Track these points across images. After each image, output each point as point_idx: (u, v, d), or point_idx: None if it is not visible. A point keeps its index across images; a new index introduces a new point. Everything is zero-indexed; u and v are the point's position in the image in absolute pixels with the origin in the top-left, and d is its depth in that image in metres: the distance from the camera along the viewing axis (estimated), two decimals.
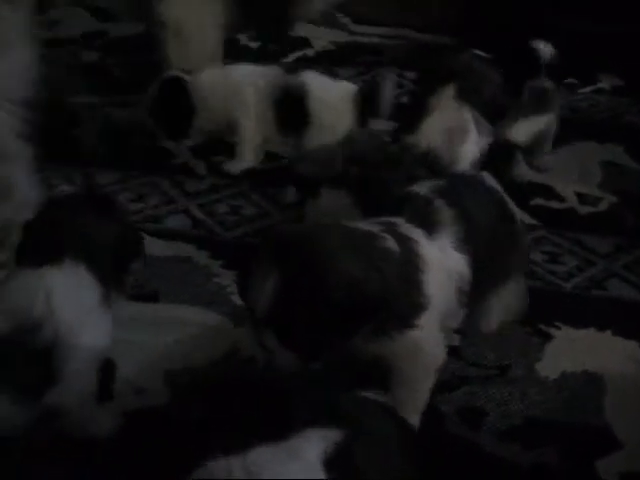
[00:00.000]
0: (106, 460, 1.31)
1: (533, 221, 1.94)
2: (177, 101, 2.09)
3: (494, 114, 1.86)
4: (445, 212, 1.37)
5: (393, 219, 1.35)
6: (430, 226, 1.35)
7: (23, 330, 1.21)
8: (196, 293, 1.68)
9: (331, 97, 2.01)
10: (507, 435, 1.37)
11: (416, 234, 1.34)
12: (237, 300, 1.62)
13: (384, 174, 1.74)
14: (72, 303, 1.25)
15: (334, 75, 2.14)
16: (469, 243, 1.36)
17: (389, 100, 2.00)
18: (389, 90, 2.01)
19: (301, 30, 2.99)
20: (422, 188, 1.43)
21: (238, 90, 2.08)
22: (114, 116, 2.39)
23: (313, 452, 0.97)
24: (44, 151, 2.13)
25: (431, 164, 1.76)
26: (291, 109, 2.02)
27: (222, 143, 2.22)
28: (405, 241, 1.31)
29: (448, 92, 1.83)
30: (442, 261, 1.34)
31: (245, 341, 1.52)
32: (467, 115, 1.80)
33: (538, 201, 2.02)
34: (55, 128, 2.24)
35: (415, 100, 2.09)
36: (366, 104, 2.01)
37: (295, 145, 2.06)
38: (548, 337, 1.59)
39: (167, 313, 1.63)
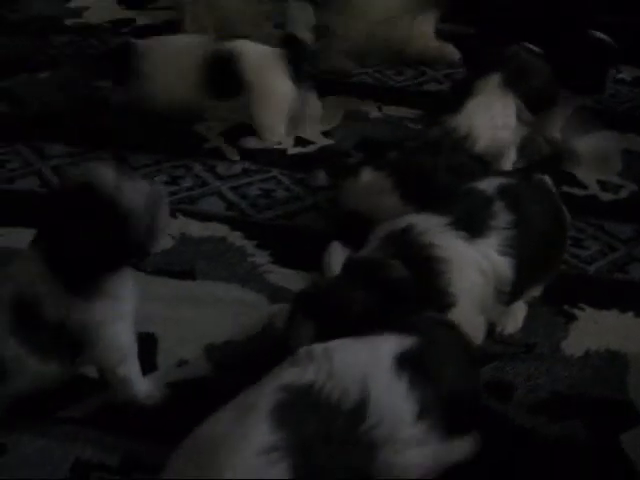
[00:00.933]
0: (151, 428, 1.37)
1: None
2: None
3: (539, 106, 1.90)
4: (501, 217, 1.44)
5: (433, 220, 1.40)
6: (479, 229, 1.42)
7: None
8: (232, 271, 1.74)
9: (263, 58, 2.17)
10: (534, 408, 1.42)
11: (443, 238, 1.41)
12: (271, 278, 1.68)
13: (424, 158, 1.79)
14: None
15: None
16: (519, 248, 1.43)
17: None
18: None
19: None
20: (488, 186, 1.49)
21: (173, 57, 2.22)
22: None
23: (387, 349, 1.10)
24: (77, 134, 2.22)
25: (469, 148, 1.80)
26: (225, 74, 2.15)
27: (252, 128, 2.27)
28: (421, 249, 1.39)
29: (494, 78, 1.88)
30: (478, 262, 1.40)
31: (280, 316, 1.57)
32: (510, 103, 1.84)
33: (563, 188, 2.06)
34: (87, 112, 2.30)
35: (459, 83, 2.13)
36: (294, 62, 2.16)
37: (231, 109, 2.21)
38: (572, 317, 1.64)
39: (204, 290, 1.69)
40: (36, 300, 1.25)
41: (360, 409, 1.07)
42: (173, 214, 1.86)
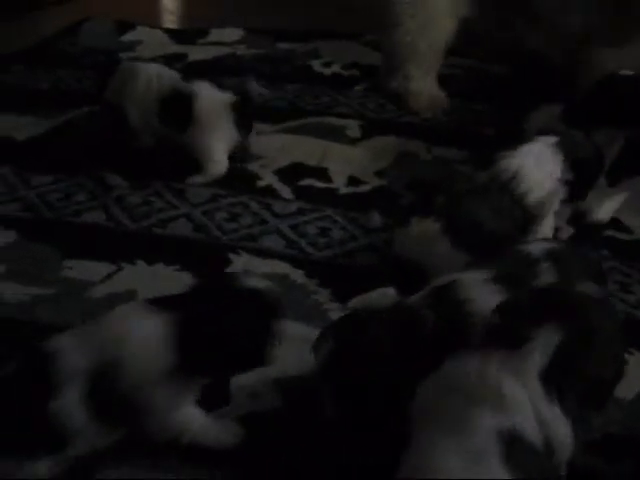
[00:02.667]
0: (229, 457, 1.45)
1: (604, 252, 2.05)
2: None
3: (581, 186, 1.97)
4: (545, 277, 1.52)
5: (475, 275, 1.51)
6: (520, 285, 1.49)
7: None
8: (296, 308, 1.81)
9: (214, 102, 2.31)
10: (589, 449, 1.49)
11: (479, 292, 1.48)
12: (334, 316, 1.76)
13: (471, 202, 1.86)
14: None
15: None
16: None
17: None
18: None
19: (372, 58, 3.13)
20: (535, 248, 1.58)
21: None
22: None
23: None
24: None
25: (514, 190, 1.87)
26: (177, 107, 2.30)
27: (307, 168, 2.36)
28: (458, 303, 1.47)
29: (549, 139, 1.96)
30: None
31: None
32: (559, 160, 1.92)
33: (608, 233, 2.13)
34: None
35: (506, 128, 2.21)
36: (242, 111, 2.33)
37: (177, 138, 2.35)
38: None
39: None
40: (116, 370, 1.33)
41: None
42: (236, 251, 1.96)
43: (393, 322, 1.47)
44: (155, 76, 2.38)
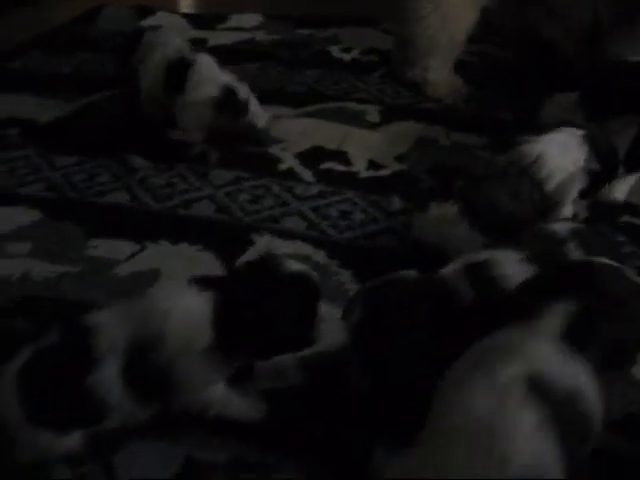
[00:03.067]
0: (254, 432, 1.48)
1: (621, 238, 2.07)
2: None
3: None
4: (573, 257, 1.54)
5: (507, 254, 1.52)
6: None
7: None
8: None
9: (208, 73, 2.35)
10: (611, 428, 1.51)
11: (518, 271, 1.49)
12: None
13: (490, 185, 1.88)
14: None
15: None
16: None
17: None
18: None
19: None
20: (560, 228, 1.60)
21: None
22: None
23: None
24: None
25: (534, 175, 1.89)
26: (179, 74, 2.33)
27: (328, 152, 2.38)
28: (495, 277, 1.49)
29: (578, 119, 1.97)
30: None
31: None
32: (584, 150, 1.93)
33: (624, 219, 2.14)
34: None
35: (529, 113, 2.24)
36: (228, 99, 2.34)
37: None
38: None
39: None
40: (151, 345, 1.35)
41: None
42: (258, 232, 1.99)
43: (429, 292, 1.49)
44: (165, 45, 2.45)
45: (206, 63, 2.39)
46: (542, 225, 1.65)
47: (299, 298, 1.42)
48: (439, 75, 2.83)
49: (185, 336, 1.36)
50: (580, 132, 1.94)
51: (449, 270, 1.56)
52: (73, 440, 1.36)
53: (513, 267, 1.51)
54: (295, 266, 1.44)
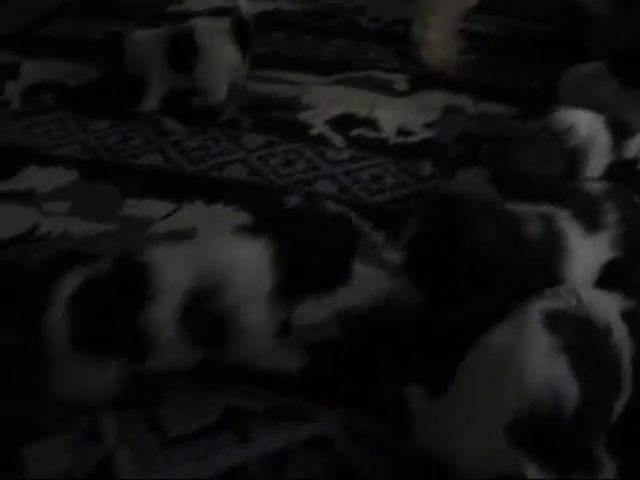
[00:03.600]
0: (291, 382, 1.52)
1: None
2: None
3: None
4: (611, 215, 1.57)
5: (557, 210, 1.55)
6: (593, 224, 1.55)
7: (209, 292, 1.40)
8: None
9: (213, 28, 2.43)
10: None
11: (571, 227, 1.54)
12: (388, 256, 1.83)
13: (519, 151, 1.90)
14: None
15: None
16: (624, 245, 1.56)
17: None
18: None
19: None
20: (593, 188, 1.63)
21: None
22: (252, 89, 2.60)
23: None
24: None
25: (565, 142, 1.92)
26: (182, 50, 2.43)
27: (357, 119, 2.42)
28: (554, 231, 1.52)
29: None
30: (591, 254, 1.53)
31: (401, 291, 1.72)
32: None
33: None
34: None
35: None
36: (241, 34, 2.45)
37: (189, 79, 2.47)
38: None
39: None
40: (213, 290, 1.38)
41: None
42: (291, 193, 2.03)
43: (499, 218, 1.50)
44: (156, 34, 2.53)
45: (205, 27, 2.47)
46: (576, 184, 1.68)
47: (343, 236, 1.46)
48: (437, 37, 2.84)
49: (249, 284, 1.40)
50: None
51: (518, 207, 1.58)
52: (111, 373, 1.37)
53: (568, 223, 1.54)
54: (335, 207, 1.46)
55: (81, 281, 1.36)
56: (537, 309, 1.27)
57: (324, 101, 2.56)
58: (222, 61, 2.46)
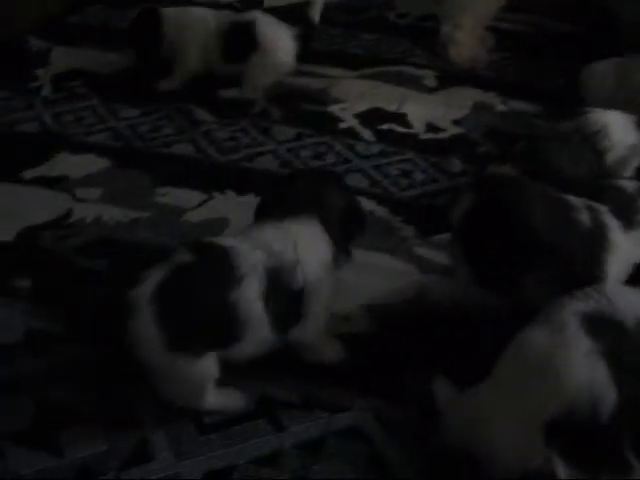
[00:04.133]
0: (324, 373, 1.54)
1: None
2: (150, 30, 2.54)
3: None
4: None
5: (596, 204, 1.56)
6: (630, 221, 1.57)
7: (284, 271, 1.42)
8: (382, 242, 1.90)
9: (275, 29, 2.49)
10: None
11: (612, 222, 1.55)
12: (418, 251, 1.84)
13: (551, 151, 1.92)
14: (315, 255, 1.48)
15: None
16: None
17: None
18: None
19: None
20: (626, 186, 1.65)
21: (190, 24, 2.52)
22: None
23: None
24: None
25: (597, 144, 1.93)
26: (237, 41, 2.45)
27: (387, 113, 2.43)
28: (600, 224, 1.53)
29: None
30: (629, 251, 1.55)
31: (431, 286, 1.74)
32: None
33: None
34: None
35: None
36: (302, 41, 2.50)
37: (239, 71, 2.48)
38: None
39: (359, 256, 1.84)
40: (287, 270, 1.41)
41: None
42: None
43: (554, 201, 1.52)
44: (212, 17, 2.53)
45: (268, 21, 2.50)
46: (610, 182, 1.69)
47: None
48: (467, 37, 2.86)
49: (318, 262, 1.45)
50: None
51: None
52: (208, 364, 1.38)
53: (607, 217, 1.56)
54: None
55: (162, 278, 1.34)
56: (574, 311, 1.28)
57: (353, 95, 2.57)
58: (278, 60, 2.48)
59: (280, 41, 2.47)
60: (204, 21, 2.53)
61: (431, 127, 2.41)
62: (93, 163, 2.19)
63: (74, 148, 2.25)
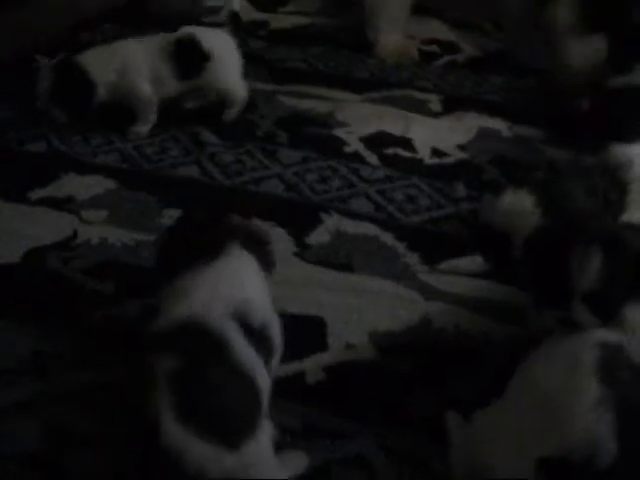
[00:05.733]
0: (324, 401, 1.56)
1: None
2: (76, 81, 2.38)
3: None
4: None
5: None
6: None
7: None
8: (386, 268, 1.91)
9: (214, 35, 2.50)
10: None
11: None
12: (423, 278, 1.85)
13: (569, 180, 1.92)
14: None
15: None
16: None
17: None
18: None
19: (451, 35, 3.19)
20: None
21: (128, 59, 2.41)
22: (287, 104, 2.64)
23: None
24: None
25: (618, 177, 1.93)
26: (187, 56, 2.40)
27: (392, 137, 2.45)
28: None
29: None
30: None
31: (435, 313, 1.75)
32: None
33: None
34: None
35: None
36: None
37: (194, 88, 2.48)
38: None
39: (363, 282, 1.86)
40: None
41: None
42: (327, 211, 2.05)
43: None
44: (145, 43, 2.47)
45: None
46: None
47: None
48: (388, 37, 3.06)
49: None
50: None
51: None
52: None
53: None
54: None
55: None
56: (593, 351, 1.27)
57: (358, 118, 2.58)
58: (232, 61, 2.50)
59: (226, 44, 2.49)
60: (140, 49, 2.45)
61: (436, 152, 2.40)
62: (100, 184, 2.19)
63: (81, 169, 2.26)
